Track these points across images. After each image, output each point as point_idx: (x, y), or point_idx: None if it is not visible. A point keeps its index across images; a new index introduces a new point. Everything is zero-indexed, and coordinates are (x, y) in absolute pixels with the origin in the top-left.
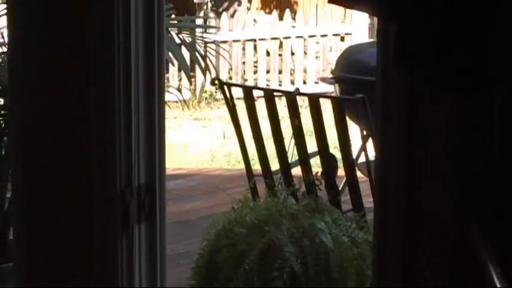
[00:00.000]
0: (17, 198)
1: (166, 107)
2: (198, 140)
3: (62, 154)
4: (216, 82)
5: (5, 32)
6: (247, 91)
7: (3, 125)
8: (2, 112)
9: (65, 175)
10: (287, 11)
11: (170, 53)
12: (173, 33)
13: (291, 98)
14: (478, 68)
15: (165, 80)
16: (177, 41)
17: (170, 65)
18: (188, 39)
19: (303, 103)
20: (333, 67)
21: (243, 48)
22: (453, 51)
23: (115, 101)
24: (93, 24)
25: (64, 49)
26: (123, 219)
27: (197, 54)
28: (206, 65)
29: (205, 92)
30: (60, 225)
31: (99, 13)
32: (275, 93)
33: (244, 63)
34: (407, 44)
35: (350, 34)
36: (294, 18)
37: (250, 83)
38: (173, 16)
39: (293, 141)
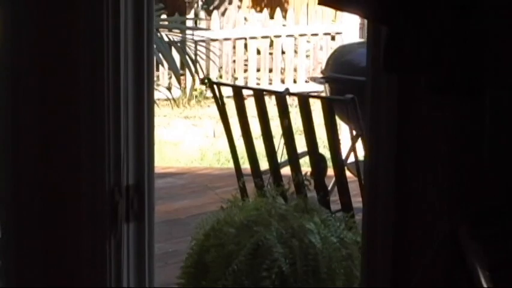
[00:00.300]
0: (5, 196)
1: (156, 106)
2: (188, 139)
3: (50, 153)
4: (206, 81)
5: None
6: (237, 90)
7: None
8: None
9: (53, 174)
10: (278, 10)
11: (160, 53)
12: (163, 33)
13: (281, 97)
14: (472, 71)
15: (155, 79)
16: (166, 40)
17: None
18: (178, 39)
19: (293, 102)
20: (323, 66)
21: (234, 47)
22: (447, 54)
23: (104, 101)
24: (83, 24)
25: (53, 49)
26: (112, 219)
27: (186, 54)
28: (194, 65)
29: (196, 90)
30: (48, 225)
31: (88, 13)
32: (265, 93)
33: (234, 61)
34: (398, 46)
35: (341, 33)
36: (284, 17)
37: (240, 81)
38: (163, 16)
39: (283, 140)
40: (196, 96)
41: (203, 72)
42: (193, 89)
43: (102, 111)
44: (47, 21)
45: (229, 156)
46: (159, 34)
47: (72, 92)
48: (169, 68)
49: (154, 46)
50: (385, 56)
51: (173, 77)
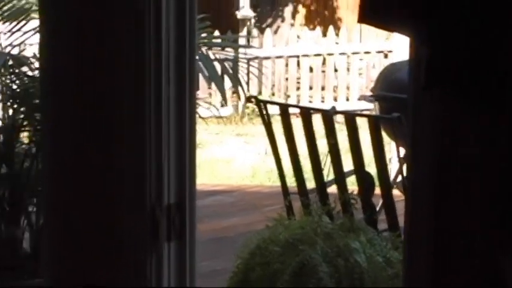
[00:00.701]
0: (47, 215)
1: (206, 123)
2: (240, 156)
3: (92, 171)
4: (252, 99)
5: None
6: (283, 108)
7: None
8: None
9: (95, 192)
10: (331, 28)
11: (206, 72)
12: (210, 52)
13: (327, 116)
14: None
15: (206, 96)
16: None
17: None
18: (224, 56)
19: (342, 119)
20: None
21: (286, 65)
22: (488, 75)
23: (145, 119)
24: (124, 43)
25: (93, 69)
26: (153, 237)
27: (231, 72)
28: (241, 83)
29: (248, 108)
30: (89, 243)
31: (130, 30)
32: (312, 111)
33: (287, 79)
34: (439, 66)
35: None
36: (337, 35)
37: (293, 99)
38: (216, 33)
39: (329, 159)
40: (248, 114)
41: (259, 89)
42: (245, 106)
43: (144, 129)
44: (88, 38)
45: None
46: (204, 52)
47: (113, 110)
48: (209, 86)
49: (201, 64)
50: (426, 74)
51: (226, 94)
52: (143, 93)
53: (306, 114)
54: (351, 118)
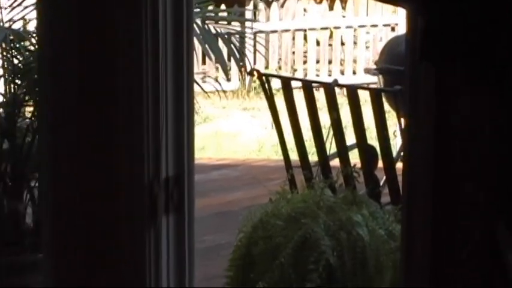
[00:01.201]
0: (44, 191)
1: (216, 97)
2: (246, 130)
3: (89, 146)
4: (255, 73)
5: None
6: (285, 82)
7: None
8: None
9: (92, 167)
10: (337, 1)
11: (207, 46)
12: (214, 26)
13: (329, 89)
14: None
15: (206, 69)
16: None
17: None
18: (225, 30)
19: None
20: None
21: (293, 38)
22: (485, 44)
23: (143, 93)
24: (121, 16)
25: (91, 40)
26: (151, 211)
27: (233, 46)
28: (242, 57)
29: (254, 82)
30: (87, 218)
31: (127, 7)
32: (314, 84)
33: (293, 53)
34: (435, 37)
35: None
36: (344, 8)
37: (299, 73)
38: (223, 7)
39: (332, 132)
40: (255, 88)
41: (266, 61)
42: (252, 80)
43: (141, 103)
44: (86, 12)
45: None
46: (205, 26)
47: (110, 83)
48: (216, 61)
49: (201, 37)
50: (422, 45)
51: (233, 68)
52: (140, 66)
53: (308, 87)
54: (352, 91)
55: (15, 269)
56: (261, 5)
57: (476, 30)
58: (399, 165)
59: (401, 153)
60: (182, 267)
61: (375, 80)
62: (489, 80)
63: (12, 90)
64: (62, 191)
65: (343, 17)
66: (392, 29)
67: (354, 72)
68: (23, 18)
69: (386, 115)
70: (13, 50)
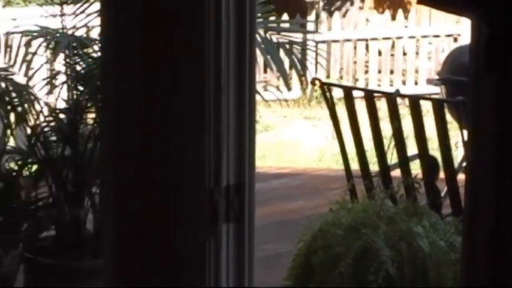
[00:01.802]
0: (105, 196)
1: (277, 106)
2: (307, 139)
3: (150, 152)
4: (316, 82)
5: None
6: (347, 91)
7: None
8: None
9: (153, 174)
10: (400, 11)
11: (269, 56)
12: (275, 36)
13: (391, 99)
14: None
15: (268, 78)
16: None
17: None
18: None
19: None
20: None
21: (355, 48)
22: None
23: (205, 101)
24: (183, 25)
25: (153, 48)
26: (211, 219)
27: (294, 57)
28: (303, 67)
29: (316, 91)
30: (147, 224)
31: (189, 16)
32: (375, 94)
33: (355, 62)
34: (499, 45)
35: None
36: (406, 18)
37: (361, 82)
38: (285, 17)
39: (393, 142)
40: (316, 97)
41: (327, 71)
42: (313, 90)
43: (203, 110)
44: (149, 24)
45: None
46: (268, 36)
47: (172, 90)
48: (290, 68)
49: (262, 46)
50: (485, 55)
51: (294, 77)
52: (203, 74)
53: (370, 97)
54: (415, 101)
55: (76, 275)
56: (323, 15)
57: None
58: (461, 176)
59: (463, 164)
60: (242, 276)
61: (437, 91)
62: None
63: (75, 96)
64: (123, 197)
65: (406, 27)
66: (455, 40)
67: (416, 83)
68: (85, 25)
69: (448, 126)
70: (76, 57)
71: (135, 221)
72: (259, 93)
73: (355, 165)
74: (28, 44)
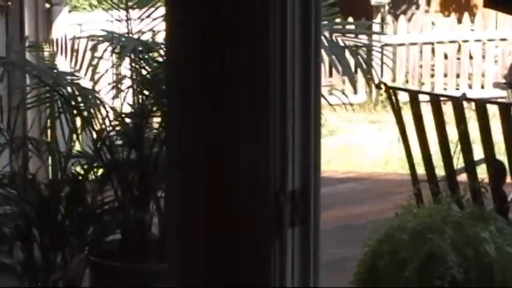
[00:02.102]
0: (171, 199)
1: (342, 110)
2: (373, 143)
3: (215, 155)
4: (382, 86)
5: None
6: (413, 95)
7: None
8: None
9: (218, 177)
10: (466, 14)
11: (334, 58)
12: (341, 39)
13: (458, 103)
14: None
15: (334, 82)
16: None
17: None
18: (352, 43)
19: None
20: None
21: (420, 52)
22: None
23: (269, 104)
24: (248, 29)
25: (218, 52)
26: (277, 223)
27: (360, 59)
28: (370, 70)
29: (381, 95)
30: (212, 227)
31: (254, 22)
32: (441, 98)
33: (421, 66)
34: None
35: None
36: (473, 22)
37: (427, 86)
38: (350, 19)
39: (459, 147)
40: (382, 101)
41: (393, 75)
42: (379, 93)
43: (268, 114)
44: (214, 23)
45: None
46: (333, 38)
47: (236, 94)
48: (343, 73)
49: (329, 51)
50: None
51: (360, 81)
52: (267, 76)
53: (436, 101)
54: (481, 105)
55: (141, 278)
56: (389, 18)
57: None
58: None
59: None
60: (307, 280)
61: (504, 94)
62: None
63: (140, 101)
64: (188, 200)
65: (472, 30)
66: None
67: (482, 87)
68: (151, 29)
69: None
70: (141, 61)
71: (199, 224)
72: (324, 97)
73: (421, 170)
74: (94, 49)
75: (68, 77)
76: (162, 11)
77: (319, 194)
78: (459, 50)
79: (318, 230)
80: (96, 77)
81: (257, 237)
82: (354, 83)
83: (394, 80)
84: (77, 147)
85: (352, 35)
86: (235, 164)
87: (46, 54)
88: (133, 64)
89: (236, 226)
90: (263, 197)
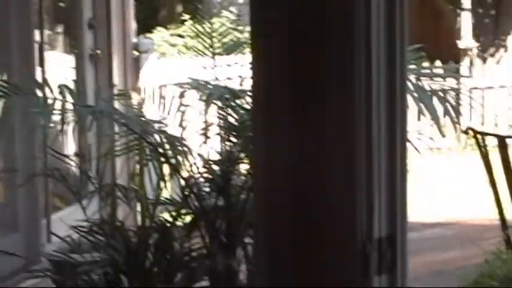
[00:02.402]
0: (259, 247)
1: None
2: (461, 187)
3: (301, 206)
4: (469, 131)
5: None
6: (501, 140)
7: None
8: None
9: (305, 227)
10: None
11: (421, 103)
12: (426, 83)
13: None
14: None
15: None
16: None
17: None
18: (440, 87)
19: None
20: None
21: (510, 95)
22: None
23: (355, 152)
24: (334, 72)
25: (303, 98)
26: (363, 271)
27: (448, 104)
28: (457, 114)
29: (470, 139)
30: (298, 277)
31: (340, 63)
32: None
33: (510, 109)
34: None
35: None
36: None
37: None
38: (438, 63)
39: None
40: (470, 145)
41: (482, 118)
42: (467, 137)
43: (353, 160)
44: (299, 71)
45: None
46: (420, 83)
47: (323, 141)
48: (431, 118)
49: (415, 94)
50: None
51: (447, 125)
52: (352, 122)
53: None
54: None
55: None
56: (477, 61)
57: None
58: None
59: None
60: None
61: None
62: None
63: (228, 147)
64: (276, 250)
65: None
66: None
67: None
68: (239, 76)
69: None
70: (228, 108)
71: (286, 274)
72: (410, 142)
73: (510, 215)
74: (181, 96)
75: (156, 125)
76: (249, 57)
77: (406, 241)
78: None
79: (405, 277)
80: (184, 124)
81: (343, 285)
82: (440, 128)
83: (483, 124)
84: (165, 194)
85: (440, 79)
86: (321, 212)
87: (134, 101)
88: (220, 111)
89: (323, 274)
90: (350, 245)
